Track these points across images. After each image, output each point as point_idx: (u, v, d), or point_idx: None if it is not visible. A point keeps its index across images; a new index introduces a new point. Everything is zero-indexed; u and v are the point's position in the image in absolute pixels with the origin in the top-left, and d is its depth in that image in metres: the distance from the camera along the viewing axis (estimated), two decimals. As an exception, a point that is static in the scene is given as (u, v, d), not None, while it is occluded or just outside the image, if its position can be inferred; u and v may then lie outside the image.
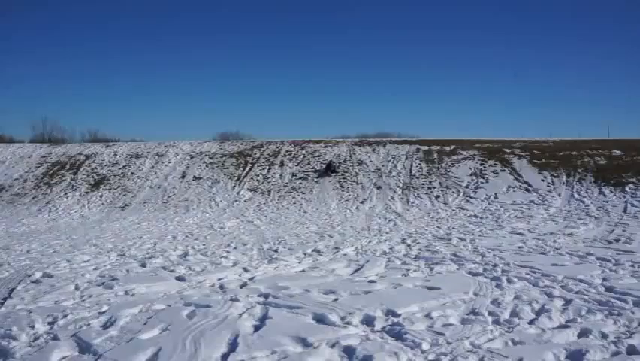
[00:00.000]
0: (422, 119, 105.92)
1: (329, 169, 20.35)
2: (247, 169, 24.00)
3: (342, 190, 20.78)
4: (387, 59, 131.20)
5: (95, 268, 8.77)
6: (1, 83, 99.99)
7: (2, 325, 5.54)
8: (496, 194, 18.73)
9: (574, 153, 22.00)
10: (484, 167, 21.53)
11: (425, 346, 4.60)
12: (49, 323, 5.58)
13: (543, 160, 21.51)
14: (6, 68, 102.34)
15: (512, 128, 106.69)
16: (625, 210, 15.26)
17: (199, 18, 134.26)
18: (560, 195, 18.00)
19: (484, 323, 5.20)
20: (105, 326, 5.44)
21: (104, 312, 5.99)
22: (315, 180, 17.68)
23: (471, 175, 20.91)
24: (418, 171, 21.89)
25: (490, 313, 5.52)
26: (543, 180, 19.54)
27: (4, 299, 6.69)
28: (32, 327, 5.44)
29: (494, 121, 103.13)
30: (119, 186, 23.47)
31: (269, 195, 21.07)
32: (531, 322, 5.24)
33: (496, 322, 5.26)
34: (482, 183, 20.05)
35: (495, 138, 26.24)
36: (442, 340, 4.74)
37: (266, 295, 6.52)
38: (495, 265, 8.06)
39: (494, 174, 20.77)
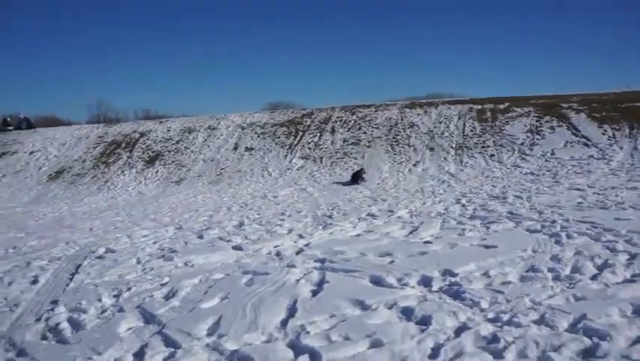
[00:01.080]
0: (474, 78, 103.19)
1: (356, 178, 17.25)
2: (298, 137, 24.06)
3: (395, 154, 20.59)
4: (433, 15, 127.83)
5: (155, 242, 9.04)
6: (55, 67, 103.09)
7: (72, 299, 5.80)
8: (553, 150, 18.17)
9: (637, 104, 20.99)
10: (540, 123, 20.86)
11: (484, 304, 4.56)
12: (114, 296, 5.80)
13: (603, 113, 20.63)
14: (58, 53, 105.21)
15: (570, 82, 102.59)
16: (692, 160, 14.54)
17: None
18: (622, 148, 17.28)
19: (544, 280, 5.10)
20: (167, 297, 5.61)
21: (165, 283, 6.18)
22: (346, 182, 17.23)
23: (526, 132, 20.32)
24: (471, 131, 21.43)
25: (550, 270, 5.41)
26: (603, 134, 18.79)
27: (72, 275, 7.00)
28: (99, 300, 5.67)
29: (551, 75, 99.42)
30: (173, 162, 23.97)
31: (321, 162, 21.10)
32: (594, 277, 5.10)
33: (556, 278, 5.15)
34: (538, 139, 19.47)
35: (551, 94, 25.31)
36: (501, 298, 4.68)
37: (322, 260, 6.58)
38: (554, 222, 7.86)
39: (551, 130, 20.12)
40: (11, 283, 6.74)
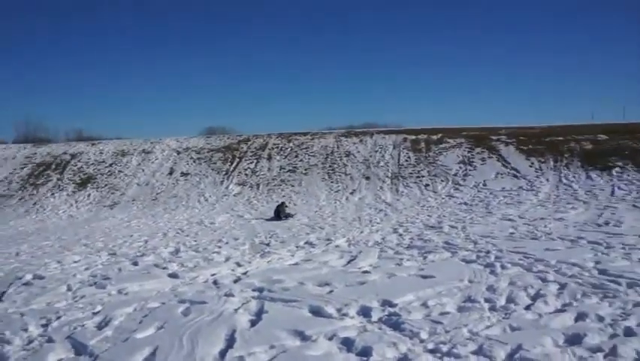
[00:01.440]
0: (407, 108, 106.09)
1: (278, 213, 15.21)
2: (235, 163, 23.89)
3: (331, 182, 20.75)
4: (372, 49, 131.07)
5: (87, 268, 8.69)
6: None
7: (-5, 329, 5.46)
8: (484, 181, 18.78)
9: (560, 138, 22.09)
10: (472, 154, 21.57)
11: (424, 335, 4.59)
12: (42, 326, 5.54)
13: (530, 146, 21.58)
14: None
15: (498, 114, 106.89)
16: (612, 194, 15.35)
17: (180, 14, 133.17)
18: (548, 180, 18.07)
19: (481, 310, 5.20)
20: (100, 327, 5.40)
21: (97, 312, 5.95)
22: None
23: (459, 163, 20.94)
24: (406, 161, 21.89)
25: (486, 300, 5.53)
26: (531, 166, 19.61)
27: (-4, 302, 6.61)
28: (26, 330, 5.39)
29: (480, 108, 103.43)
30: (106, 185, 23.28)
31: (258, 188, 21.00)
32: (527, 307, 5.25)
33: (492, 308, 5.27)
34: (470, 170, 20.10)
35: (481, 126, 26.29)
36: (440, 328, 4.73)
37: (260, 290, 6.49)
38: (488, 252, 8.07)
39: (482, 161, 20.82)
40: None
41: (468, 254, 8.06)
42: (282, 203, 16.09)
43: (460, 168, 20.47)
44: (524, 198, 15.73)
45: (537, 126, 25.45)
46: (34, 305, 6.42)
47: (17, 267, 9.21)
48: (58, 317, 5.78)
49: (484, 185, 18.39)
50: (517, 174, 19.02)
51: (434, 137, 24.13)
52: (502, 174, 19.28)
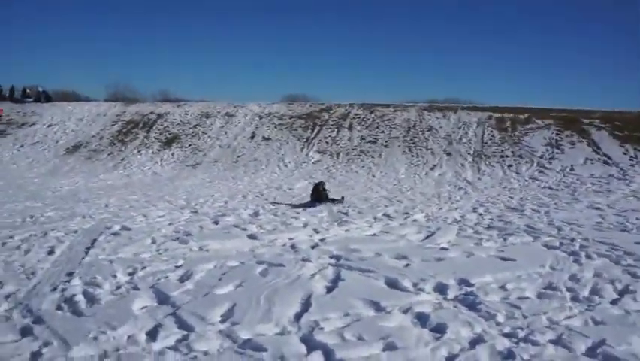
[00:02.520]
0: (494, 85, 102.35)
1: (318, 196, 11.69)
2: (315, 131, 24.02)
3: (412, 156, 20.51)
4: (458, 20, 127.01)
5: (170, 224, 9.07)
6: (75, 44, 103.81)
7: (88, 272, 5.84)
8: (572, 166, 18.00)
9: (661, 125, 20.73)
10: (560, 137, 20.68)
11: (500, 318, 4.52)
12: (129, 274, 5.84)
13: (626, 132, 20.40)
14: (78, 29, 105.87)
15: (591, 97, 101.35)
16: None
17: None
18: (643, 170, 17.07)
19: (562, 299, 5.04)
20: (182, 280, 5.64)
21: (180, 266, 6.21)
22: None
23: (546, 145, 20.14)
24: (490, 139, 21.28)
25: (568, 290, 5.34)
26: (625, 154, 18.58)
27: (88, 249, 7.04)
28: (114, 276, 5.71)
29: (573, 90, 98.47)
30: (190, 145, 24.02)
31: (337, 157, 21.07)
32: (614, 302, 5.02)
33: (575, 299, 5.08)
34: (557, 153, 19.29)
35: (573, 108, 25.03)
36: (518, 313, 4.64)
37: (337, 258, 6.57)
38: (572, 240, 7.77)
39: (571, 145, 19.93)
40: (28, 252, 6.80)
41: (551, 240, 7.79)
42: (321, 183, 12.27)
43: (547, 150, 19.69)
44: (615, 187, 14.95)
45: (637, 111, 23.94)
46: (121, 254, 6.78)
47: (107, 217, 9.74)
48: (144, 267, 6.09)
49: (572, 170, 17.63)
50: (609, 161, 18.09)
51: (521, 116, 23.27)
52: (591, 160, 18.40)
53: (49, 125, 28.15)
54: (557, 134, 21.01)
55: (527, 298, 5.09)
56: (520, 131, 21.70)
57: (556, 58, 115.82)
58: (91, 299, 4.93)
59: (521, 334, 4.17)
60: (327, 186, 12.22)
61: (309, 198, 11.77)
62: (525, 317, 4.56)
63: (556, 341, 4.05)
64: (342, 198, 11.98)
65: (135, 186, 16.20)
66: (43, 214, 10.01)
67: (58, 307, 4.72)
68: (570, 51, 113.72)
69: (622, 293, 5.26)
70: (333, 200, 11.72)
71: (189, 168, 21.29)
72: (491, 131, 22.08)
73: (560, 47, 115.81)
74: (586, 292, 5.28)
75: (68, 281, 5.49)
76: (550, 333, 4.20)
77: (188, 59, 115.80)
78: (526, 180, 16.74)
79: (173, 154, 23.18)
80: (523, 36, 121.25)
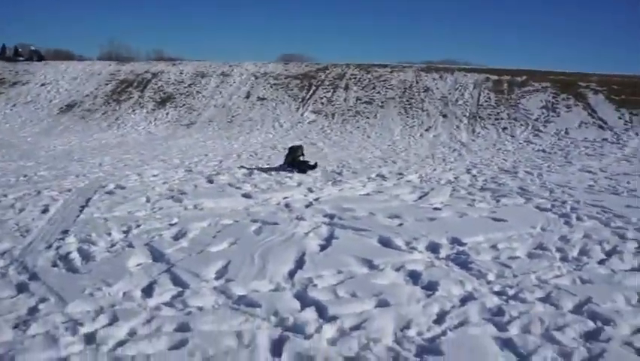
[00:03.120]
0: (492, 47, 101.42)
1: (293, 162, 10.85)
2: (311, 91, 23.87)
3: (407, 117, 20.46)
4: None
5: (164, 183, 9.08)
6: (69, 2, 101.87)
7: (82, 230, 5.87)
8: (567, 129, 18.01)
9: (660, 89, 20.65)
10: (557, 100, 20.63)
11: (491, 277, 4.59)
12: (124, 232, 5.86)
13: (623, 96, 20.33)
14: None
15: (592, 61, 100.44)
16: None
17: None
18: (637, 134, 17.11)
19: (552, 259, 5.11)
20: (176, 238, 5.67)
21: (174, 224, 6.24)
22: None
23: (541, 108, 20.11)
24: (486, 101, 21.22)
25: (558, 250, 5.41)
26: (620, 118, 18.58)
27: (82, 207, 7.05)
28: (109, 234, 5.73)
29: (572, 53, 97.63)
30: (184, 105, 23.85)
31: (332, 118, 20.99)
32: (601, 262, 5.09)
33: (564, 259, 5.15)
34: (553, 117, 19.29)
35: (571, 71, 24.90)
36: (508, 272, 4.71)
37: (331, 216, 6.62)
38: (564, 202, 7.83)
39: (567, 108, 19.91)
40: (22, 210, 6.81)
41: (543, 202, 7.85)
42: (299, 147, 11.26)
43: (542, 113, 19.68)
44: (608, 151, 15.00)
45: (636, 75, 23.80)
46: (116, 212, 6.79)
47: (101, 176, 9.73)
48: (138, 225, 6.11)
49: (566, 133, 17.66)
50: (604, 125, 18.11)
51: (518, 78, 23.17)
52: (586, 124, 18.42)
53: (42, 85, 27.84)
54: (554, 97, 20.97)
55: (518, 257, 5.16)
56: (516, 94, 21.64)
57: (556, 20, 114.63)
58: (86, 257, 4.97)
59: (511, 292, 4.25)
60: (304, 151, 11.19)
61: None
62: (515, 276, 4.63)
63: (545, 299, 4.12)
64: (316, 163, 10.93)
65: (129, 146, 16.15)
66: (36, 173, 9.99)
67: (54, 265, 4.76)
68: (570, 14, 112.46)
69: (609, 254, 5.34)
70: (306, 165, 10.71)
71: (184, 127, 21.20)
72: (487, 93, 22.00)
73: (561, 9, 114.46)
74: (575, 253, 5.35)
75: (63, 239, 5.51)
76: (539, 291, 4.27)
77: (183, 17, 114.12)
78: (520, 143, 16.77)
79: (167, 113, 23.05)
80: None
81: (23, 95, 26.62)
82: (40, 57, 33.72)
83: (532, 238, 5.83)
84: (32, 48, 34.75)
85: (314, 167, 10.70)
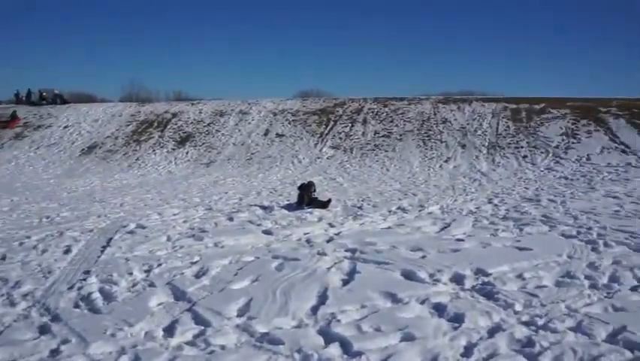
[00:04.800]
0: (509, 77, 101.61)
1: (302, 198, 10.40)
2: (329, 127, 23.97)
3: (426, 149, 20.40)
4: (471, 12, 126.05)
5: (185, 221, 9.09)
6: (89, 46, 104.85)
7: (104, 270, 5.87)
8: (588, 155, 17.78)
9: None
10: (577, 127, 20.45)
11: (518, 307, 4.48)
12: (145, 271, 5.86)
13: (644, 120, 20.10)
14: (91, 33, 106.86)
15: (609, 86, 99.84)
16: None
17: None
18: (661, 157, 16.82)
19: (581, 287, 4.99)
20: (198, 276, 5.65)
21: (195, 262, 6.22)
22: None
23: (561, 135, 19.92)
24: (505, 130, 21.11)
25: (586, 277, 5.28)
26: (643, 141, 18.31)
27: (104, 247, 7.09)
28: (130, 274, 5.74)
29: (589, 79, 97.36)
30: (203, 143, 24.08)
31: (351, 152, 21.01)
32: (634, 288, 4.96)
33: (593, 286, 5.03)
34: (573, 143, 19.08)
35: (589, 97, 24.72)
36: (536, 301, 4.60)
37: (353, 251, 6.56)
38: (590, 228, 7.67)
39: (587, 134, 19.71)
40: (45, 251, 6.86)
41: (568, 229, 7.70)
42: (309, 183, 10.91)
43: (563, 140, 19.48)
44: (633, 176, 14.74)
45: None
46: (137, 252, 6.81)
47: (122, 216, 9.79)
48: (159, 264, 6.11)
49: (588, 159, 17.42)
50: (627, 150, 17.85)
51: (536, 106, 23.05)
52: (608, 149, 18.17)
53: (65, 127, 28.36)
54: (573, 123, 20.79)
55: (545, 286, 5.05)
56: (535, 122, 21.50)
57: (572, 47, 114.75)
58: (108, 297, 4.96)
59: (540, 322, 4.14)
60: (315, 187, 10.76)
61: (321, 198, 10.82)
62: (543, 305, 4.52)
63: (576, 328, 4.01)
64: (329, 200, 10.44)
65: (150, 185, 16.28)
66: (59, 214, 10.09)
67: (76, 305, 4.76)
68: (586, 40, 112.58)
69: (642, 280, 5.20)
70: (319, 203, 10.21)
71: (203, 166, 21.36)
72: (506, 122, 21.90)
73: (575, 35, 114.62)
74: (605, 280, 5.22)
75: (85, 279, 5.52)
76: (570, 320, 4.16)
77: (200, 58, 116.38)
78: (541, 171, 16.58)
79: (187, 153, 23.26)
80: (537, 27, 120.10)
81: (47, 137, 27.11)
82: (63, 100, 34.43)
83: (559, 266, 5.71)
84: (56, 92, 35.48)
85: (327, 204, 10.21)
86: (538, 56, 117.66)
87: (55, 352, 3.74)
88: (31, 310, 4.63)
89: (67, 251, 6.87)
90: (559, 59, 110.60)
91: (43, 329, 4.16)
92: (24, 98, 35.34)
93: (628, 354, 3.57)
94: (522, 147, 19.33)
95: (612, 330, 3.95)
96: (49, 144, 26.28)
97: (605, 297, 4.72)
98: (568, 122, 20.97)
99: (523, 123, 21.52)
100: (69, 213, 10.24)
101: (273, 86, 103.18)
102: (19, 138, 27.58)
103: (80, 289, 5.20)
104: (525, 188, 13.19)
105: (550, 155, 18.31)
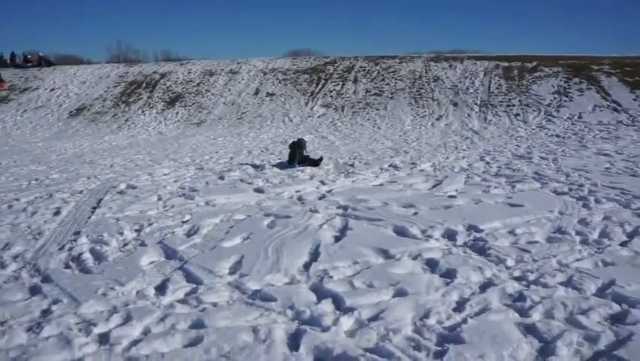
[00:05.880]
0: (500, 35, 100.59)
1: (293, 158, 10.39)
2: (320, 85, 23.73)
3: (418, 107, 20.27)
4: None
5: (175, 181, 9.04)
6: (75, 5, 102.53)
7: (95, 231, 5.83)
8: (580, 113, 17.73)
9: (673, 69, 20.27)
10: (569, 85, 20.34)
11: (510, 262, 4.50)
12: (136, 231, 5.84)
13: (637, 77, 19.98)
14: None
15: (602, 45, 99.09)
16: None
17: None
18: (653, 115, 16.80)
19: (572, 242, 5.01)
20: (189, 234, 5.63)
21: (186, 221, 6.20)
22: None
23: (553, 93, 19.82)
24: (497, 88, 20.97)
25: (577, 233, 5.31)
26: (635, 100, 18.25)
27: (94, 208, 7.03)
28: (121, 234, 5.71)
29: (581, 37, 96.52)
30: (193, 103, 23.81)
31: (342, 111, 20.86)
32: (623, 244, 4.99)
33: (584, 242, 5.05)
34: (565, 101, 19.01)
35: (582, 55, 24.52)
36: (528, 257, 4.62)
37: (345, 208, 6.54)
38: (581, 185, 7.69)
39: (579, 92, 19.62)
40: (34, 213, 6.80)
41: (559, 186, 7.72)
42: (300, 140, 10.89)
43: (555, 98, 19.39)
44: (624, 134, 14.74)
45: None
46: (128, 212, 6.76)
47: (112, 177, 9.70)
48: (150, 224, 6.08)
49: (580, 117, 17.38)
50: (618, 108, 17.81)
51: (528, 64, 22.86)
52: (600, 107, 18.11)
53: (52, 90, 27.90)
54: (566, 81, 20.67)
55: (537, 242, 5.06)
56: (527, 80, 21.36)
57: (565, 3, 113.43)
58: (98, 257, 4.94)
59: (531, 277, 4.16)
60: (306, 145, 10.82)
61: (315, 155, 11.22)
62: (535, 260, 4.54)
63: (567, 283, 4.04)
64: (321, 158, 10.47)
65: (140, 146, 16.12)
66: (48, 177, 9.99)
67: (66, 266, 4.73)
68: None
69: (631, 235, 5.23)
70: (310, 161, 10.28)
71: (194, 126, 21.16)
72: (498, 80, 21.74)
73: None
74: (595, 235, 5.25)
75: (75, 240, 5.49)
76: (561, 275, 4.18)
77: (189, 16, 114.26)
78: (533, 129, 16.54)
79: (177, 113, 23.00)
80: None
81: (33, 100, 26.69)
82: (49, 63, 33.79)
83: (550, 222, 5.73)
84: (41, 54, 34.77)
85: (318, 162, 10.23)
86: (530, 13, 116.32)
87: (46, 312, 3.72)
88: (22, 271, 4.60)
89: (57, 213, 6.81)
90: (551, 17, 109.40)
91: (34, 290, 4.14)
92: (8, 62, 34.60)
93: (616, 307, 3.60)
94: (514, 105, 19.24)
95: (602, 284, 3.99)
96: (37, 106, 25.88)
97: (596, 252, 4.75)
98: (560, 80, 20.84)
99: (515, 81, 21.37)
100: (58, 176, 10.14)
101: (262, 45, 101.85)
102: (4, 101, 27.11)
103: (70, 249, 5.17)
104: (517, 146, 13.18)
105: (542, 113, 18.24)
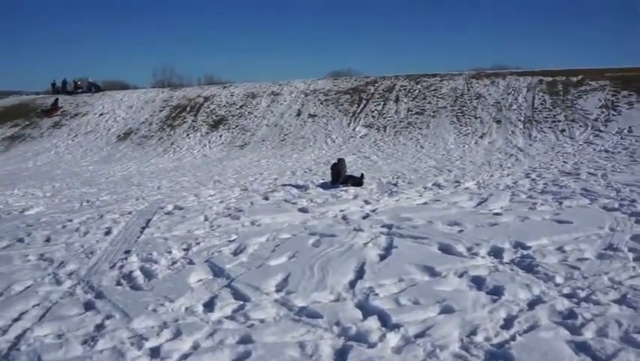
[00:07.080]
0: (543, 49, 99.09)
1: (338, 176, 10.45)
2: (362, 105, 23.82)
3: (460, 125, 20.12)
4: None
5: (221, 202, 9.19)
6: (122, 33, 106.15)
7: (144, 250, 5.99)
8: (630, 127, 17.25)
9: None
10: (617, 98, 19.85)
11: (559, 279, 4.41)
12: (184, 250, 5.96)
13: (688, 89, 19.40)
14: (123, 23, 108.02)
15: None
16: None
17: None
18: None
19: (625, 259, 4.87)
20: (235, 253, 5.72)
21: (233, 240, 6.29)
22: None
23: (601, 107, 19.37)
24: (541, 104, 20.63)
25: (630, 250, 5.15)
26: (688, 111, 17.70)
27: (143, 228, 7.22)
28: (170, 253, 5.84)
29: (626, 50, 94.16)
30: (237, 126, 24.20)
31: (384, 131, 20.87)
32: (681, 260, 4.83)
33: (638, 259, 4.90)
34: (614, 115, 18.54)
35: (631, 67, 23.92)
36: (578, 274, 4.52)
37: (389, 226, 6.53)
38: (633, 201, 7.47)
39: (628, 105, 19.11)
40: (87, 233, 7.01)
41: (609, 202, 7.52)
42: (340, 160, 11.01)
43: (602, 112, 18.94)
44: (678, 147, 14.28)
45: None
46: (175, 232, 6.91)
47: (159, 198, 9.94)
48: (197, 243, 6.20)
49: (630, 131, 16.90)
50: (671, 121, 17.28)
51: (573, 79, 22.43)
52: (651, 120, 17.60)
53: (101, 115, 28.84)
54: (613, 95, 20.19)
55: (587, 259, 4.94)
56: (572, 95, 20.96)
57: (610, 16, 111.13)
58: (148, 274, 5.06)
59: (582, 294, 4.07)
60: (345, 165, 10.79)
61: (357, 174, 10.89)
62: (585, 277, 4.44)
63: (620, 301, 3.93)
64: (362, 175, 10.51)
65: (185, 169, 16.48)
66: (98, 198, 10.31)
67: (118, 283, 4.87)
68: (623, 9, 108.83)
69: (690, 252, 5.05)
70: (353, 180, 10.24)
71: (237, 148, 21.50)
72: (542, 95, 21.40)
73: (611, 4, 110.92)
74: (651, 253, 5.09)
75: (126, 259, 5.64)
76: (613, 293, 4.07)
77: (231, 41, 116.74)
78: (580, 145, 16.19)
79: (221, 136, 23.43)
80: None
81: (83, 125, 27.63)
82: (97, 88, 35.01)
83: (600, 239, 5.59)
84: (90, 80, 36.10)
85: (361, 180, 10.25)
86: (572, 27, 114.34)
87: (100, 326, 3.84)
88: (76, 288, 4.76)
89: (108, 232, 7.02)
90: (594, 29, 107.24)
91: (88, 306, 4.27)
92: (60, 88, 36.01)
93: (674, 325, 3.48)
94: (559, 121, 18.88)
95: (659, 302, 3.86)
96: (87, 131, 26.78)
97: (651, 269, 4.60)
98: (607, 93, 20.37)
99: (560, 96, 21.00)
100: (108, 197, 10.45)
101: (303, 67, 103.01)
102: (57, 126, 28.17)
103: (121, 267, 5.32)
104: (564, 162, 12.92)
105: (589, 128, 17.84)
